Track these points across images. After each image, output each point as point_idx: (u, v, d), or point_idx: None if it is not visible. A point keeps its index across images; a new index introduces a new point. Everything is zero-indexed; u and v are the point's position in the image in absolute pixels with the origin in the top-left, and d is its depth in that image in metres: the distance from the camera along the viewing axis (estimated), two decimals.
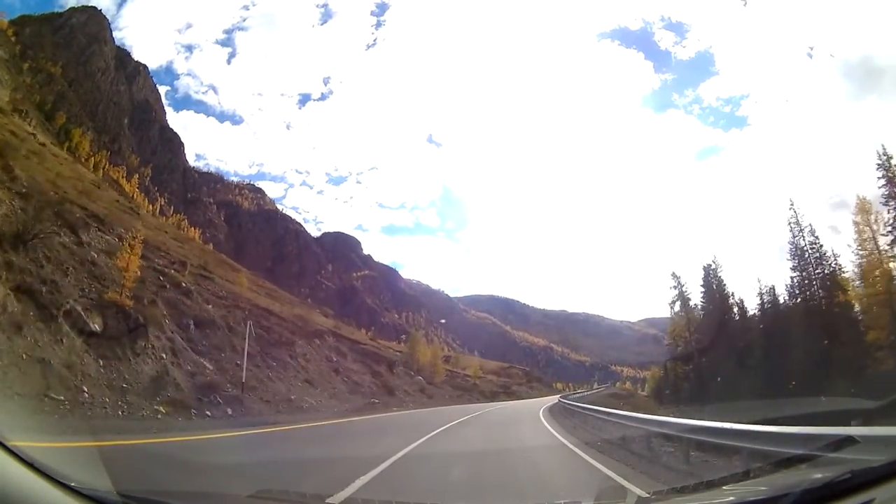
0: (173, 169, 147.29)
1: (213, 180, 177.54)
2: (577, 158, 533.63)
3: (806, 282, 35.18)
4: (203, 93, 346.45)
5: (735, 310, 41.59)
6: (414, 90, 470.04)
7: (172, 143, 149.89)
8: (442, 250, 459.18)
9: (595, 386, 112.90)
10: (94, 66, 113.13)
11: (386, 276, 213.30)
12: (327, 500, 5.03)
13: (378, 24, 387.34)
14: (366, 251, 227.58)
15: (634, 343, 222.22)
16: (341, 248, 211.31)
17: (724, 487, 3.84)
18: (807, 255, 35.32)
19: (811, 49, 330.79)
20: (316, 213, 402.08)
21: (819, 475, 2.55)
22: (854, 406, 11.99)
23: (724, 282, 43.30)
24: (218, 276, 40.86)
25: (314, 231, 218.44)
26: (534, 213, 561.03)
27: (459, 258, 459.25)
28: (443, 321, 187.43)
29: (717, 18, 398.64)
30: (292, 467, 8.01)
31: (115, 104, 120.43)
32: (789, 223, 36.60)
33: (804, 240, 35.77)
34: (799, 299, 35.44)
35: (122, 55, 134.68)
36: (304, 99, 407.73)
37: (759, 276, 61.00)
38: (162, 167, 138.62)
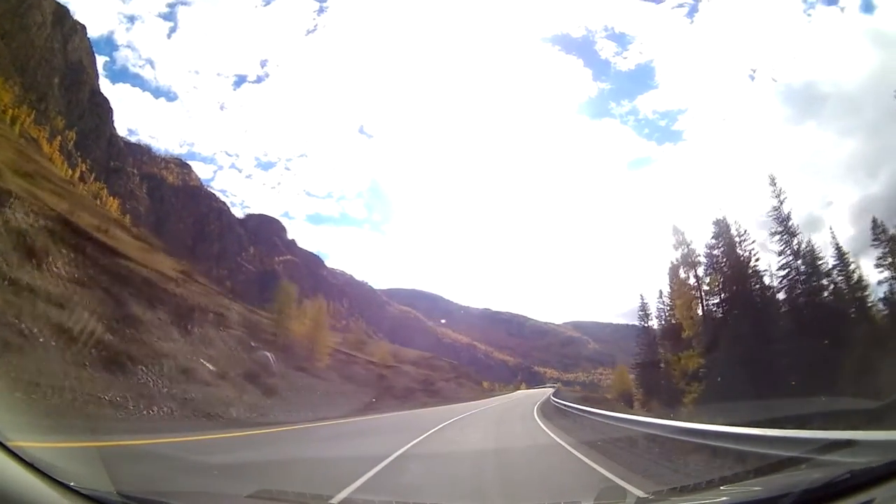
0: (99, 135, 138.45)
1: (140, 152, 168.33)
2: (506, 160, 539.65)
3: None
4: (141, 66, 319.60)
5: (757, 287, 34.40)
6: (349, 79, 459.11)
7: (101, 108, 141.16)
8: (367, 242, 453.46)
9: (523, 386, 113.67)
10: (30, 20, 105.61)
11: (309, 263, 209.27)
12: (328, 501, 5.06)
13: (321, 10, 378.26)
14: (290, 237, 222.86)
15: (558, 345, 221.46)
16: (265, 231, 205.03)
17: (722, 487, 3.92)
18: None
19: (754, 71, 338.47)
20: (243, 198, 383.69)
21: (819, 475, 2.55)
22: (854, 406, 12.12)
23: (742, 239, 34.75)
24: None
25: (240, 214, 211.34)
26: (461, 211, 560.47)
27: (384, 251, 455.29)
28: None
29: (662, 33, 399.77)
30: None
31: (47, 62, 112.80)
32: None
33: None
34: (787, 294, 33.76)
35: (62, 13, 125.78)
36: (240, 80, 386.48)
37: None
38: (88, 132, 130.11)
